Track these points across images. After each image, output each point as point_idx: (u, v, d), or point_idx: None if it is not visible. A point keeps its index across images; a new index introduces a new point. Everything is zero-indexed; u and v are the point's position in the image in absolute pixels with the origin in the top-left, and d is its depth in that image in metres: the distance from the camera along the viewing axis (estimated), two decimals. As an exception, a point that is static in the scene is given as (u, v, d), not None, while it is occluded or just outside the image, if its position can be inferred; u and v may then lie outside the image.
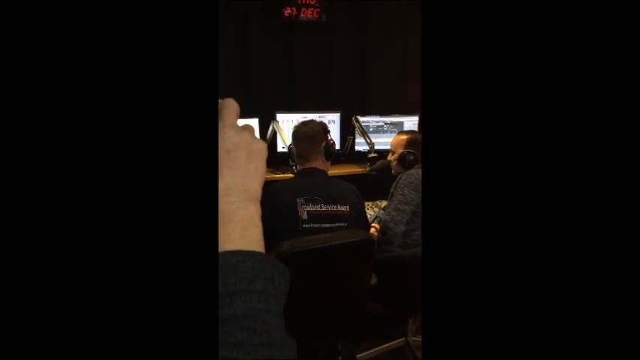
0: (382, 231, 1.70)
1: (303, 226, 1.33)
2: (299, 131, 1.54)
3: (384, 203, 2.20)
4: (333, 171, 2.35)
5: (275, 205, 1.36)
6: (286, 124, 2.40)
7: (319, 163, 1.51)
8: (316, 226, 1.34)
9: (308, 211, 1.35)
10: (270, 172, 2.36)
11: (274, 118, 2.31)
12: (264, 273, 0.38)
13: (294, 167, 1.68)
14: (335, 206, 1.38)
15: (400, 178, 1.77)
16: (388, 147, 2.06)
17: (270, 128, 2.23)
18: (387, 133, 2.64)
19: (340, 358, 1.84)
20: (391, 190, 1.81)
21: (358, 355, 1.89)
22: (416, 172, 1.75)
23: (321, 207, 1.36)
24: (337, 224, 1.37)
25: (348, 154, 2.59)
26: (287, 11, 2.45)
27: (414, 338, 2.00)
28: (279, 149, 2.43)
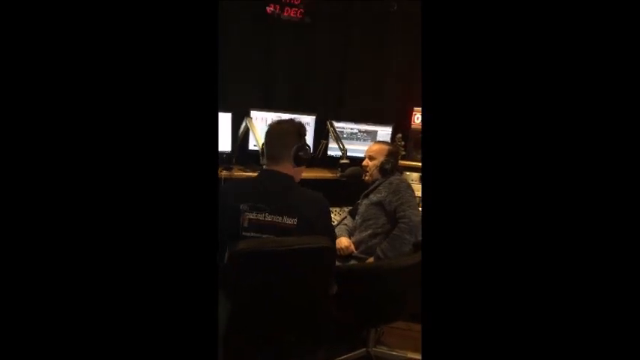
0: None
1: (244, 233, 1.27)
2: (271, 130, 1.44)
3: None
4: (305, 175, 2.30)
5: (223, 205, 1.27)
6: (260, 122, 2.34)
7: (287, 167, 1.39)
8: (257, 235, 1.28)
9: (250, 219, 1.28)
10: (240, 170, 2.30)
11: (248, 115, 2.25)
12: None
13: (264, 167, 1.62)
14: (280, 217, 1.30)
15: (393, 184, 1.85)
16: (361, 154, 2.05)
17: (243, 124, 2.17)
18: (360, 140, 2.64)
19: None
20: (376, 198, 1.85)
21: (318, 366, 1.85)
22: (401, 179, 1.92)
23: (265, 217, 1.29)
24: (280, 237, 1.29)
25: (320, 158, 2.57)
26: (270, 8, 2.41)
27: (374, 349, 1.98)
28: (251, 147, 2.37)
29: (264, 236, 1.27)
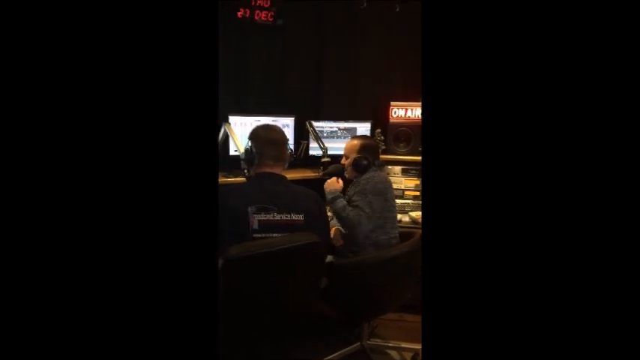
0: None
1: (254, 235, 1.30)
2: (268, 135, 1.51)
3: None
4: (287, 175, 2.31)
5: (224, 210, 1.31)
6: (239, 127, 2.34)
7: (280, 169, 1.49)
8: (267, 235, 1.31)
9: (259, 220, 1.31)
10: (223, 176, 2.29)
11: (226, 120, 2.24)
12: None
13: (245, 171, 1.63)
14: (289, 215, 1.36)
15: (360, 184, 1.81)
16: (342, 152, 2.06)
17: (222, 130, 2.16)
18: (340, 138, 2.66)
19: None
20: (349, 194, 1.83)
21: (314, 363, 1.85)
22: (372, 177, 1.83)
23: (274, 216, 1.34)
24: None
25: (302, 159, 2.57)
26: (240, 13, 2.41)
27: (368, 342, 2.01)
28: (232, 152, 2.36)
29: (275, 235, 1.32)
